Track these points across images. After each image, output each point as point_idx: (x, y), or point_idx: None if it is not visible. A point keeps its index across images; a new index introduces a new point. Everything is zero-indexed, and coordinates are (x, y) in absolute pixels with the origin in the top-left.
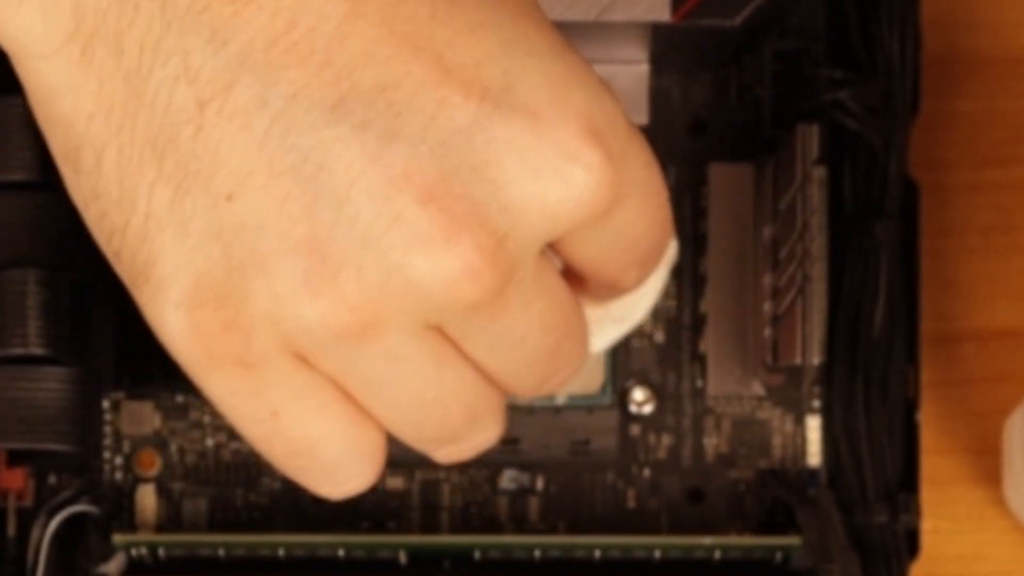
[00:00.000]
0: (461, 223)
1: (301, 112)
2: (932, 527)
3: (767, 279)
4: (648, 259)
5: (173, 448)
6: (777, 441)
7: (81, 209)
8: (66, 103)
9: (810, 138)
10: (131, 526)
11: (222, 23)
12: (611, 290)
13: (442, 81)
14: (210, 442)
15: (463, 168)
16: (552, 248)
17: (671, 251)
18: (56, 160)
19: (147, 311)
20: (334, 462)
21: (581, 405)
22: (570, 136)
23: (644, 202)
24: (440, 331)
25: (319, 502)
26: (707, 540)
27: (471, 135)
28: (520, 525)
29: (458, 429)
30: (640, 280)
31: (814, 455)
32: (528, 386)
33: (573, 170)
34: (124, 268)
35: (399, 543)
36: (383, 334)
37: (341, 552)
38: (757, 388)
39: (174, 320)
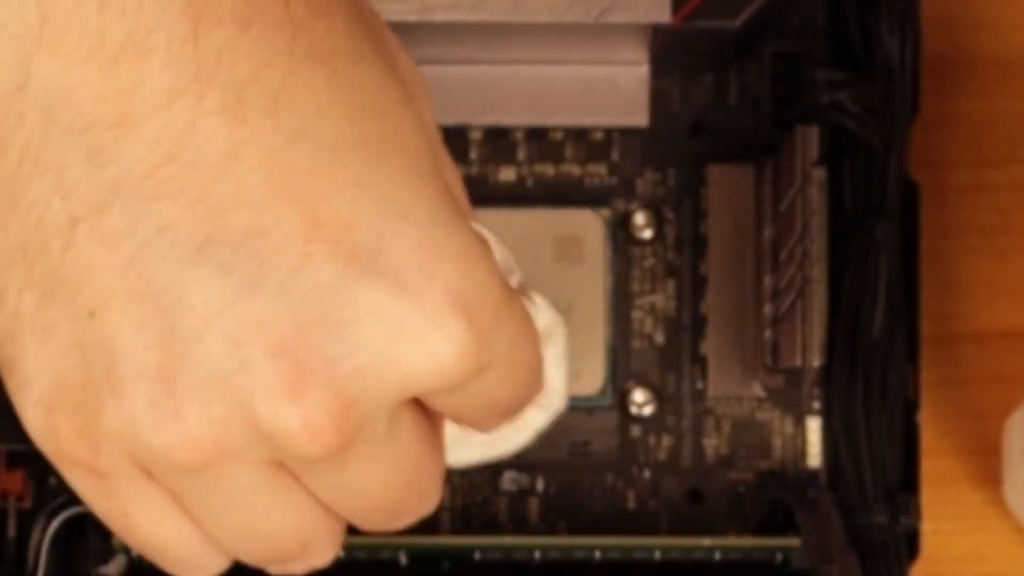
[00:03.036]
0: (308, 381)
1: (167, 245)
2: (932, 528)
3: (767, 280)
4: (509, 412)
5: None
6: (777, 442)
7: None
8: None
9: (810, 139)
10: None
11: (102, 146)
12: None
13: (311, 236)
14: None
15: (320, 325)
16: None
17: (553, 399)
18: None
19: (13, 400)
20: (185, 559)
21: (581, 406)
22: (435, 307)
23: (507, 374)
24: (281, 466)
25: None
26: (707, 541)
27: (333, 293)
28: (520, 526)
29: (288, 555)
30: (499, 425)
31: (814, 456)
32: (368, 526)
33: (434, 340)
34: None
35: (399, 543)
36: (221, 468)
37: (341, 552)
38: (757, 389)
39: (32, 418)
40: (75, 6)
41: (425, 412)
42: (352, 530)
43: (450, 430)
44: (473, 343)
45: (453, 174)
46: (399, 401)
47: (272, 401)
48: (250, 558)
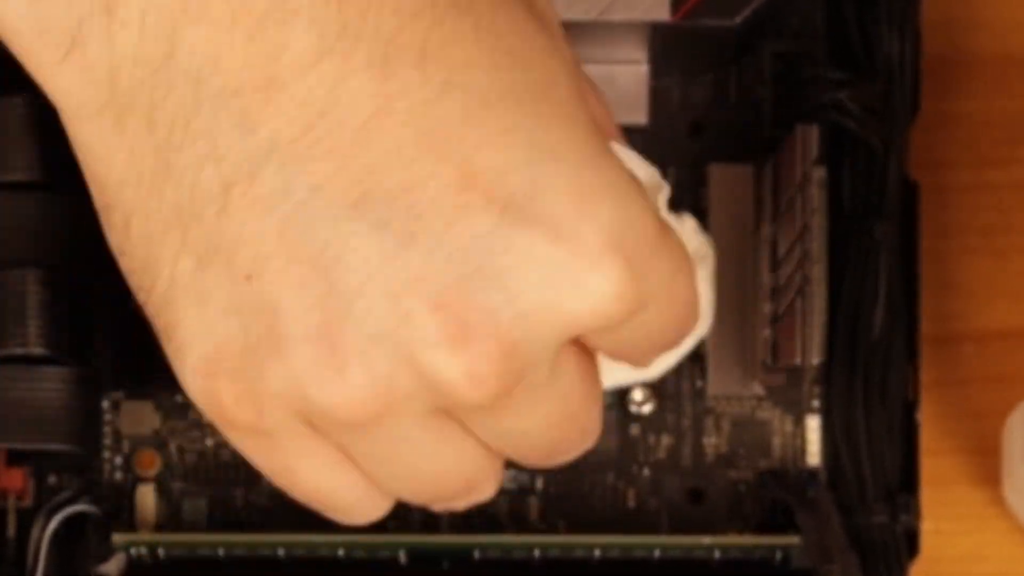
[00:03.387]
0: (470, 331)
1: (322, 205)
2: (932, 528)
3: (767, 279)
4: (668, 347)
5: (173, 448)
6: (777, 441)
7: (116, 257)
8: (100, 166)
9: (810, 139)
10: (131, 526)
11: (252, 109)
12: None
13: (465, 187)
14: (210, 442)
15: (479, 275)
16: None
17: (701, 320)
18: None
19: (172, 366)
20: (349, 506)
21: None
22: (592, 248)
23: (665, 309)
24: (446, 412)
25: None
26: (707, 540)
27: (490, 243)
28: (520, 525)
29: (454, 494)
30: (657, 357)
31: (814, 455)
32: (530, 463)
33: (592, 281)
34: (153, 320)
35: (399, 543)
36: (387, 421)
37: (341, 552)
38: (757, 388)
39: (191, 383)
40: None
41: (584, 348)
42: (352, 530)
43: (602, 358)
44: (631, 282)
45: (598, 103)
46: (560, 344)
47: (435, 353)
48: (416, 499)
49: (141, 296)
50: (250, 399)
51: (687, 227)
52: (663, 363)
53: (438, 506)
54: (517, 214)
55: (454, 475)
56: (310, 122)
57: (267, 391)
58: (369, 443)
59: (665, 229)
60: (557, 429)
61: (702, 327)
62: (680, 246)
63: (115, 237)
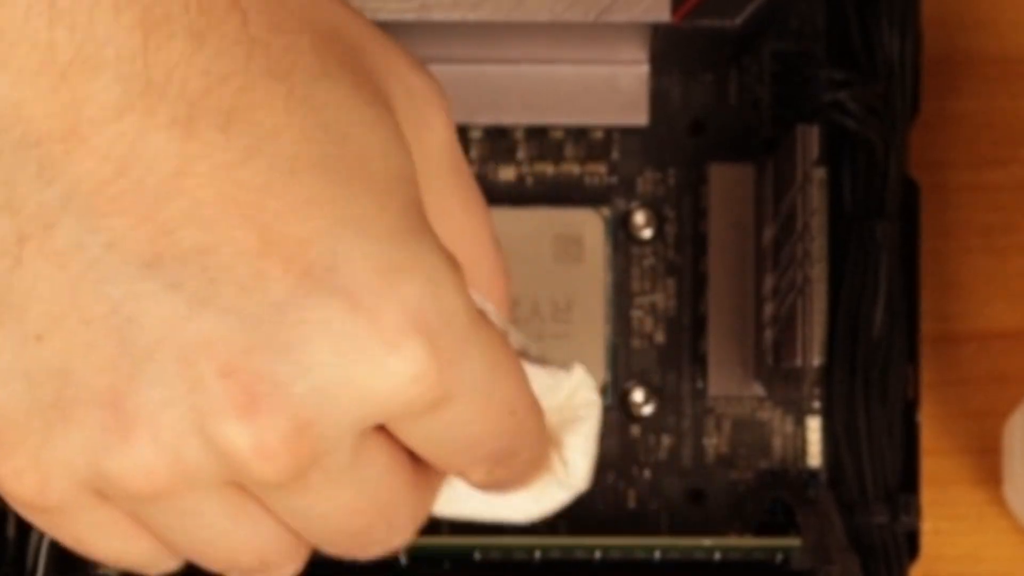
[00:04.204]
0: (258, 402)
1: (117, 262)
2: (932, 528)
3: (767, 280)
4: (498, 460)
5: None
6: (777, 442)
7: None
8: None
9: (810, 139)
10: None
11: (51, 160)
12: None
13: (263, 253)
14: None
15: (271, 345)
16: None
17: (573, 478)
18: None
19: None
20: (143, 564)
21: None
22: (391, 325)
23: (480, 406)
24: (241, 487)
25: None
26: (707, 541)
27: (284, 312)
28: (520, 526)
29: (249, 570)
30: (492, 481)
31: (814, 456)
32: (333, 551)
33: (390, 360)
34: None
35: None
36: (178, 492)
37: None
38: (757, 389)
39: None
40: (24, 21)
41: (399, 443)
42: None
43: (457, 483)
44: (432, 367)
45: (466, 188)
46: (359, 425)
47: (223, 422)
48: (211, 567)
49: None
50: (32, 473)
51: (575, 378)
52: (521, 509)
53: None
54: (315, 284)
55: (248, 551)
56: (109, 177)
57: (51, 461)
58: (161, 514)
59: (484, 322)
60: (361, 517)
61: (578, 486)
62: (504, 347)
63: None
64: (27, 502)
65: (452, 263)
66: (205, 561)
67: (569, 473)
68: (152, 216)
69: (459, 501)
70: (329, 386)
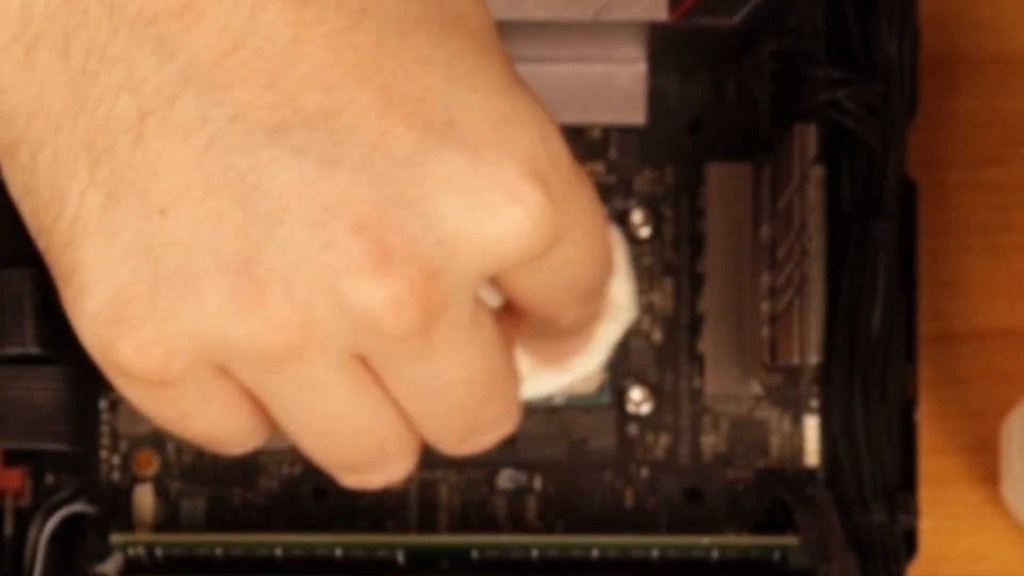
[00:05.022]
0: (392, 254)
1: (241, 132)
2: (930, 527)
3: (765, 279)
4: (587, 298)
5: (170, 447)
6: (775, 440)
7: (17, 202)
8: (8, 99)
9: (808, 138)
10: (128, 526)
11: (169, 36)
12: (548, 327)
13: (385, 112)
14: None
15: (400, 200)
16: (491, 281)
17: (621, 311)
18: None
19: (68, 313)
20: (233, 445)
21: (579, 405)
22: (510, 175)
23: (584, 244)
24: (365, 363)
25: (317, 501)
26: (705, 540)
27: (410, 168)
28: (518, 525)
29: (365, 462)
30: (577, 320)
31: (812, 455)
32: (448, 439)
33: (511, 209)
34: (52, 266)
35: (397, 542)
36: (306, 358)
37: (339, 551)
38: (755, 388)
39: (88, 332)
40: None
41: (502, 321)
42: (350, 529)
43: (523, 363)
44: (550, 209)
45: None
46: (484, 273)
47: (357, 278)
48: (324, 460)
49: (42, 240)
50: (156, 345)
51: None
52: (588, 363)
53: (349, 479)
54: (436, 140)
55: (367, 436)
56: (227, 49)
57: (177, 332)
58: (282, 383)
59: (579, 163)
60: (480, 388)
61: (625, 317)
62: (592, 184)
63: (20, 176)
64: (149, 376)
65: (550, 114)
66: (321, 448)
67: (614, 307)
68: (274, 84)
69: (539, 381)
70: (457, 236)
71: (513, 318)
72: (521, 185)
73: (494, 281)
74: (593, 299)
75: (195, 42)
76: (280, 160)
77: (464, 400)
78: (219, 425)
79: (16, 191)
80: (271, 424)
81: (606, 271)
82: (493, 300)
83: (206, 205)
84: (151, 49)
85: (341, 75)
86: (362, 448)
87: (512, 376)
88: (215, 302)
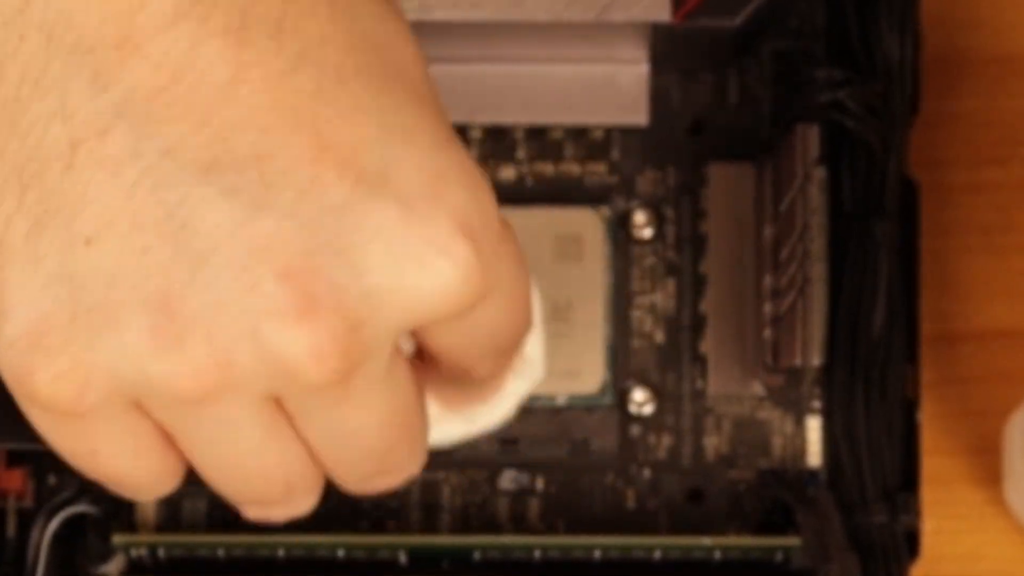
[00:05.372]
0: (316, 303)
1: (173, 168)
2: (932, 527)
3: (767, 280)
4: (505, 351)
5: None
6: (777, 441)
7: None
8: None
9: (810, 138)
10: (131, 526)
11: (106, 68)
12: (461, 376)
13: (317, 158)
14: None
15: (328, 248)
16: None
17: (533, 368)
18: None
19: None
20: (141, 489)
21: (581, 405)
22: (441, 230)
23: (508, 301)
24: (278, 404)
25: (319, 502)
26: (707, 540)
27: (340, 216)
28: (520, 525)
29: (271, 498)
30: (492, 370)
31: (814, 455)
32: (352, 480)
33: (440, 264)
34: None
35: (399, 543)
36: (222, 400)
37: (341, 552)
38: (757, 388)
39: (5, 357)
40: None
41: (414, 366)
42: (352, 530)
43: (432, 408)
44: (478, 267)
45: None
46: (406, 327)
47: (280, 324)
48: (232, 493)
49: None
50: (71, 376)
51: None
52: (495, 415)
53: (252, 512)
54: (369, 190)
55: (275, 473)
56: (164, 84)
57: (94, 364)
58: (195, 421)
59: (507, 223)
60: (389, 432)
61: (535, 373)
62: (519, 245)
63: None
64: (61, 406)
65: (482, 171)
66: (229, 484)
67: (526, 363)
68: (208, 122)
69: (441, 428)
70: (384, 288)
71: (426, 364)
72: (451, 241)
73: (414, 333)
74: (512, 351)
75: (131, 75)
76: (210, 200)
77: (373, 444)
78: (128, 466)
79: None
80: (180, 474)
81: (527, 328)
82: (407, 345)
83: (132, 239)
84: (87, 79)
85: (276, 118)
86: (269, 484)
87: (422, 421)
88: (134, 338)
